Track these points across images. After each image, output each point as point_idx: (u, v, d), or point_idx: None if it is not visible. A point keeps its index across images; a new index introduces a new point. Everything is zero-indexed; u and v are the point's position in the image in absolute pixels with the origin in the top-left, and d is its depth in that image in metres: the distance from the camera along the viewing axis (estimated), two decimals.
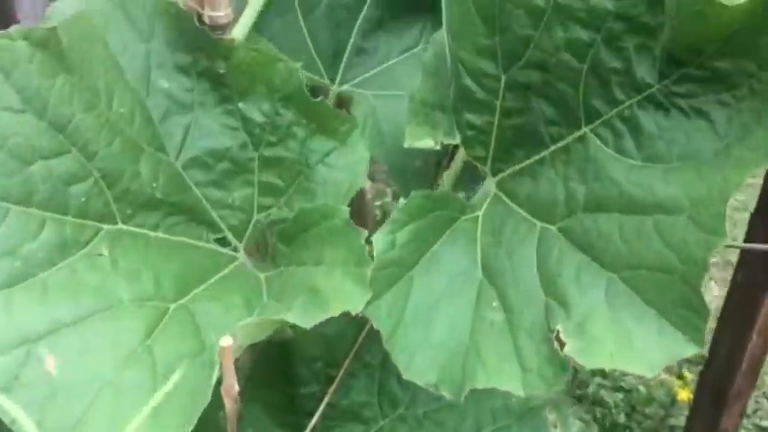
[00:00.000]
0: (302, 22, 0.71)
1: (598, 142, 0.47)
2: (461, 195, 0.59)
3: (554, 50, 0.48)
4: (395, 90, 0.70)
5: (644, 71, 0.44)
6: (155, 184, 0.54)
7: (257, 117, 0.57)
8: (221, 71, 0.55)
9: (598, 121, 0.47)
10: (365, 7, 0.72)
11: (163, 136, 0.55)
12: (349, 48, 0.72)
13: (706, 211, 0.40)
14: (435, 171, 0.68)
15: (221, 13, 0.53)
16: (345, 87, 0.72)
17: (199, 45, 0.54)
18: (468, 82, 0.53)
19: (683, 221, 0.41)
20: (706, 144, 0.43)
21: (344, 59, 0.72)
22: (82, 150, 0.50)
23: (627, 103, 0.46)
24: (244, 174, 0.58)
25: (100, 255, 0.50)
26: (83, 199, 0.50)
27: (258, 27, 0.67)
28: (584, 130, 0.48)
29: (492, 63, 0.51)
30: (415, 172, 0.66)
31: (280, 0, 0.69)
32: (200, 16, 0.53)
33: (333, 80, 0.72)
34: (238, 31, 0.60)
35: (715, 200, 0.40)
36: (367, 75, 0.72)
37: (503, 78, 0.51)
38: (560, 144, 0.50)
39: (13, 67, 0.48)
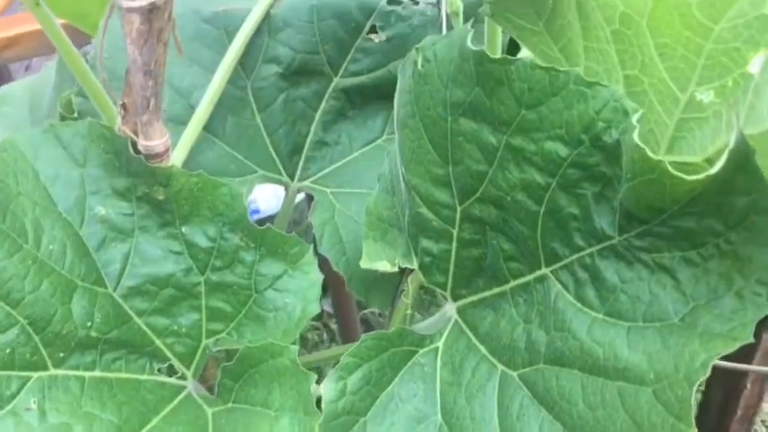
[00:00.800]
0: (258, 118, 0.67)
1: (559, 286, 0.44)
2: (418, 318, 0.56)
3: (509, 189, 0.44)
4: (356, 187, 0.67)
5: (603, 222, 0.41)
6: (89, 323, 0.50)
7: (202, 242, 0.53)
8: (161, 197, 0.52)
9: (558, 264, 0.44)
10: (325, 98, 0.69)
11: (100, 266, 0.52)
12: (308, 142, 0.69)
13: (672, 392, 0.36)
14: (399, 276, 0.64)
15: (157, 142, 0.49)
16: (305, 184, 0.68)
17: (135, 171, 0.51)
18: (424, 210, 0.49)
19: (647, 397, 0.38)
20: (671, 304, 0.39)
21: (304, 154, 0.68)
22: (5, 299, 0.46)
23: (587, 251, 0.42)
24: (189, 299, 0.54)
25: (27, 409, 0.47)
26: (7, 350, 0.47)
27: (209, 127, 0.64)
28: (545, 271, 0.45)
29: (447, 193, 0.48)
30: (378, 280, 0.62)
31: (233, 97, 0.66)
32: (134, 144, 0.50)
33: (292, 176, 0.68)
34: (179, 154, 0.56)
35: (681, 380, 0.36)
36: (327, 170, 0.68)
37: (458, 209, 0.48)
38: (521, 281, 0.47)
39: None
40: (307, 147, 0.68)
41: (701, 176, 0.33)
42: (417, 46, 0.47)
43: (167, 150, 0.50)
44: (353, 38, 0.68)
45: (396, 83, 0.62)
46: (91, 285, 0.51)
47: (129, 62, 0.46)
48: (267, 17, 0.67)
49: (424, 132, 0.48)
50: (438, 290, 0.52)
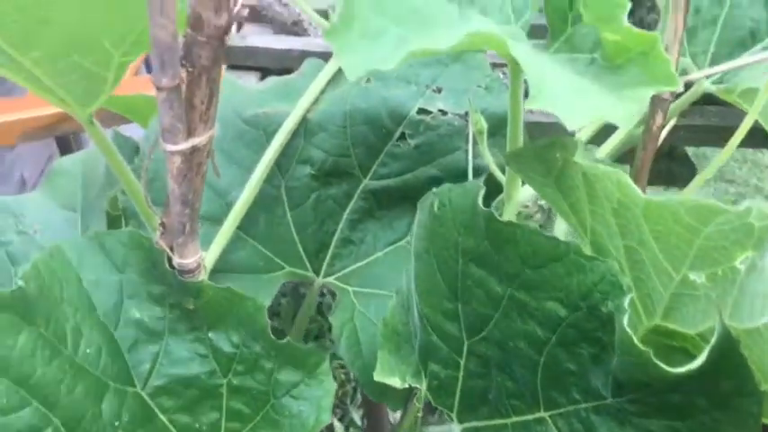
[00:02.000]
0: (289, 216, 0.71)
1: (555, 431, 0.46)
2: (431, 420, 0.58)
3: (512, 336, 0.47)
4: (378, 288, 0.70)
5: (599, 382, 0.43)
6: (117, 422, 0.54)
7: (226, 347, 0.57)
8: (191, 307, 0.55)
9: (556, 411, 0.46)
10: (354, 199, 0.72)
11: (131, 366, 0.56)
12: (335, 239, 0.72)
13: None
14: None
15: (190, 260, 0.53)
16: (329, 280, 0.72)
17: (169, 282, 0.55)
18: (434, 338, 0.52)
19: None
20: None
21: (330, 251, 0.72)
22: (43, 402, 0.51)
23: (582, 405, 0.44)
24: (212, 399, 0.58)
25: None
26: None
27: (242, 225, 0.68)
28: (544, 414, 0.47)
29: (456, 326, 0.51)
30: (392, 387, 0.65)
31: (267, 196, 0.70)
32: (169, 258, 0.54)
33: (317, 272, 0.72)
34: (211, 255, 0.60)
35: None
36: (351, 268, 0.72)
37: (466, 343, 0.51)
38: (522, 418, 0.49)
39: None
40: (333, 244, 0.72)
41: (683, 370, 0.36)
42: (435, 190, 0.50)
43: (199, 267, 0.54)
44: (383, 143, 0.72)
45: (422, 188, 0.65)
46: (121, 386, 0.55)
47: (169, 191, 0.50)
48: (303, 121, 0.71)
49: (437, 268, 0.51)
50: (445, 411, 0.55)
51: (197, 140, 0.47)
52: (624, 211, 0.41)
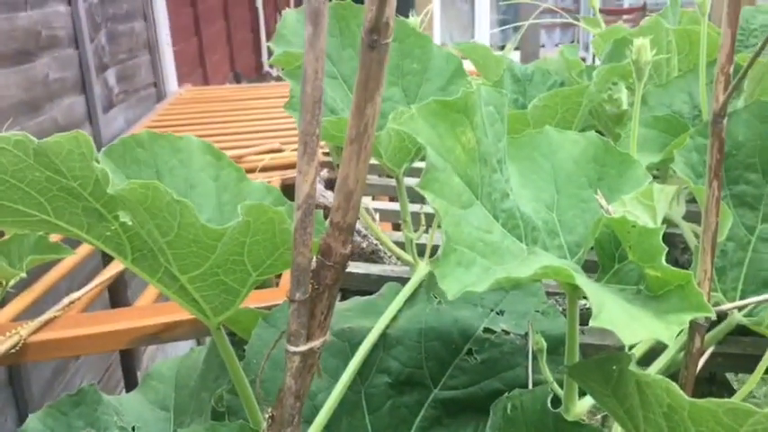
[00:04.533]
0: (367, 420, 0.79)
1: None
2: None
3: None
4: None
5: None
6: None
7: None
8: None
9: None
10: (425, 407, 0.80)
11: None
12: None
13: None
14: None
15: None
16: None
17: None
18: None
19: None
20: None
21: None
22: None
23: None
24: None
25: None
26: None
27: (328, 425, 0.76)
28: None
29: None
30: None
31: (349, 401, 0.78)
32: None
33: None
34: None
35: None
36: None
37: None
38: None
39: None
40: None
41: None
42: (507, 395, 0.59)
43: None
44: (453, 357, 0.81)
45: (486, 399, 0.73)
46: None
47: (284, 384, 0.60)
48: (383, 335, 0.82)
49: None
50: None
51: (314, 344, 0.58)
52: (673, 414, 0.49)
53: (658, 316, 0.53)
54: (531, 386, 0.79)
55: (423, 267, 0.92)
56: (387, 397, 0.80)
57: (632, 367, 0.51)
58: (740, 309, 0.76)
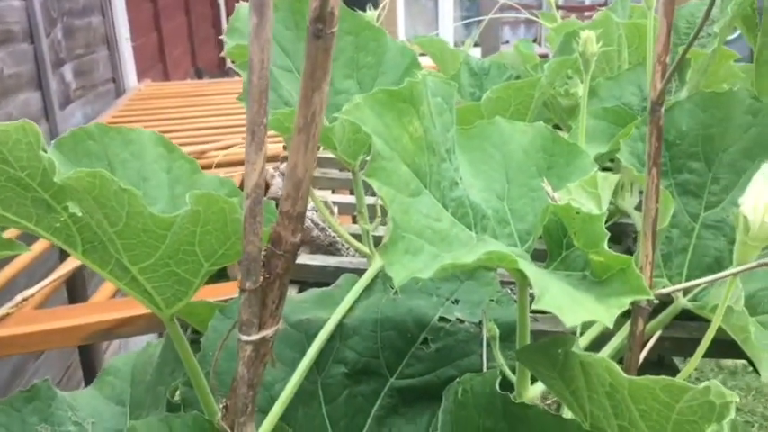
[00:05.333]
0: (324, 410, 0.80)
1: None
2: None
3: None
4: None
5: None
6: None
7: None
8: None
9: None
10: (381, 396, 0.81)
11: None
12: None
13: None
14: None
15: None
16: None
17: None
18: None
19: None
20: None
21: None
22: None
23: None
24: None
25: None
26: None
27: (284, 416, 0.77)
28: None
29: None
30: None
31: (305, 391, 0.79)
32: None
33: None
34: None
35: None
36: None
37: None
38: None
39: None
40: None
41: None
42: (459, 379, 0.60)
43: None
44: (408, 346, 0.82)
45: (441, 387, 0.74)
46: None
47: (237, 375, 0.60)
48: (340, 326, 0.82)
49: None
50: None
51: (266, 333, 0.58)
52: (615, 393, 0.51)
53: (600, 299, 0.55)
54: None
55: (379, 258, 0.93)
56: (343, 387, 0.81)
57: (576, 349, 0.53)
58: (685, 294, 0.79)
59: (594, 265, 0.60)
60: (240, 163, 1.96)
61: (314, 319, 0.83)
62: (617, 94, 1.01)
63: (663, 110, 0.55)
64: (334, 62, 0.98)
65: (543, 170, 0.75)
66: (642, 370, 0.70)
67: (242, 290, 0.56)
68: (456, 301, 0.86)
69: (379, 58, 0.97)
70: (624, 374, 0.48)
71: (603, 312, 0.52)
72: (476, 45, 3.21)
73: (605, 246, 0.57)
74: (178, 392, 0.75)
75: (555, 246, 0.68)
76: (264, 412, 0.75)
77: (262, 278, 0.57)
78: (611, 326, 0.50)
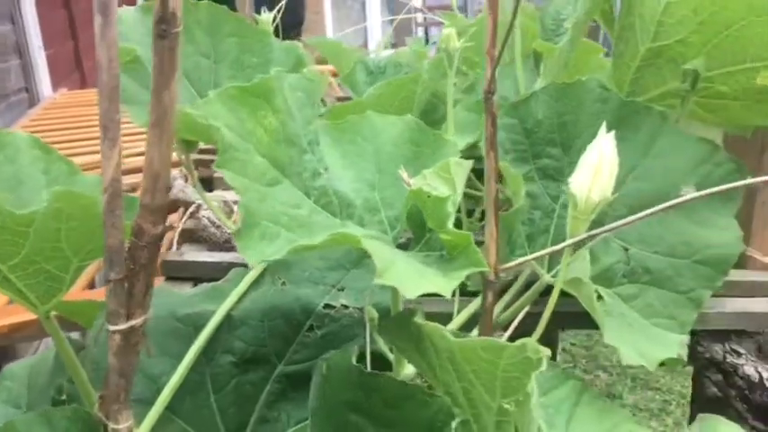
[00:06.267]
0: (212, 398, 0.82)
1: None
2: None
3: None
4: None
5: None
6: None
7: None
8: None
9: None
10: (270, 382, 0.84)
11: None
12: (253, 419, 0.83)
13: None
14: None
15: (122, 426, 0.64)
16: None
17: None
18: None
19: None
20: None
21: (249, 429, 0.82)
22: None
23: None
24: None
25: None
26: None
27: (172, 406, 0.79)
28: None
29: None
30: None
31: (193, 381, 0.81)
32: (105, 426, 0.64)
33: None
34: (142, 430, 0.71)
35: None
36: None
37: None
38: None
39: None
40: (251, 423, 0.82)
41: None
42: (323, 356, 0.64)
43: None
44: (296, 333, 0.86)
45: None
46: None
47: (108, 365, 0.62)
48: (228, 317, 0.85)
49: (328, 421, 0.63)
50: None
51: (134, 322, 0.61)
52: (454, 357, 0.55)
53: (445, 273, 0.60)
54: (368, 355, 0.85)
55: None
56: (231, 376, 0.84)
57: (418, 319, 0.57)
58: (549, 270, 0.85)
59: (446, 243, 0.64)
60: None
61: (202, 312, 0.86)
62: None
63: (495, 98, 0.60)
64: (219, 63, 1.01)
65: (411, 160, 0.79)
66: None
67: (107, 281, 0.59)
68: (342, 289, 0.89)
69: (264, 58, 1.00)
70: (452, 338, 0.52)
71: (444, 284, 0.56)
72: (394, 46, 3.28)
73: (450, 225, 0.61)
74: (63, 389, 0.77)
75: (418, 229, 0.73)
76: (152, 404, 0.77)
77: (128, 269, 0.60)
78: (448, 296, 0.55)
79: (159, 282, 1.03)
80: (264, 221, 0.58)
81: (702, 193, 0.76)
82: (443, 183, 0.68)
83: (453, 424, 0.52)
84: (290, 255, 0.55)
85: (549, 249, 0.61)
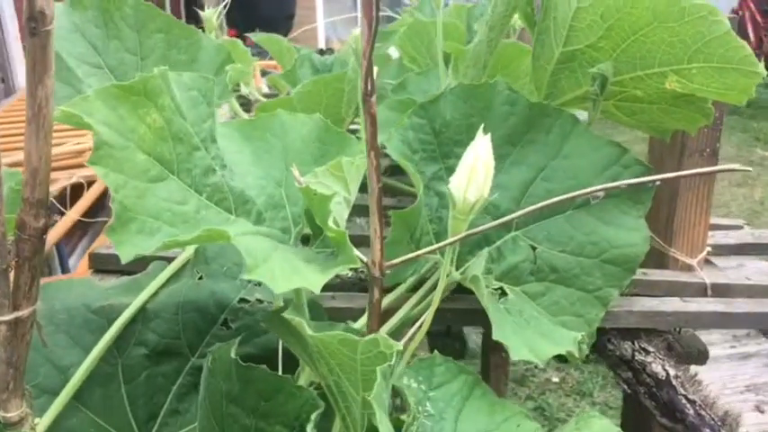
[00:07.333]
0: (123, 390, 0.84)
1: None
2: None
3: None
4: None
5: None
6: None
7: None
8: None
9: None
10: (182, 375, 0.86)
11: None
12: (163, 411, 0.84)
13: None
14: None
15: (12, 414, 0.65)
16: None
17: None
18: None
19: None
20: None
21: (158, 421, 0.84)
22: None
23: None
24: None
25: None
26: None
27: (80, 397, 0.80)
28: None
29: None
30: None
31: (104, 372, 0.83)
32: None
33: None
34: (45, 420, 0.72)
35: None
36: None
37: None
38: None
39: None
40: (162, 414, 0.84)
41: None
42: (211, 349, 0.65)
43: (22, 420, 0.66)
44: (209, 327, 0.87)
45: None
46: None
47: None
48: (143, 310, 0.87)
49: (211, 412, 0.64)
50: None
51: (20, 314, 0.62)
52: (321, 350, 0.57)
53: (322, 269, 0.61)
54: (280, 350, 0.86)
55: (192, 247, 0.97)
56: (143, 368, 0.85)
57: (287, 314, 0.59)
58: (457, 268, 0.87)
59: (331, 240, 0.66)
60: None
61: (117, 304, 0.87)
62: (425, 87, 1.09)
63: (373, 99, 0.62)
64: (145, 60, 1.02)
65: (318, 157, 0.81)
66: (431, 341, 0.77)
67: None
68: (259, 284, 0.91)
69: (192, 55, 1.01)
70: (311, 332, 0.54)
71: (315, 280, 0.58)
72: None
73: (330, 222, 0.63)
74: None
75: (316, 227, 0.74)
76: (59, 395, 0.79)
77: (13, 262, 0.61)
78: (316, 291, 0.56)
79: (86, 274, 1.04)
80: (143, 216, 0.59)
81: (601, 187, 0.77)
82: (335, 181, 0.70)
83: (313, 416, 0.54)
84: (162, 249, 0.57)
85: (427, 248, 0.63)
